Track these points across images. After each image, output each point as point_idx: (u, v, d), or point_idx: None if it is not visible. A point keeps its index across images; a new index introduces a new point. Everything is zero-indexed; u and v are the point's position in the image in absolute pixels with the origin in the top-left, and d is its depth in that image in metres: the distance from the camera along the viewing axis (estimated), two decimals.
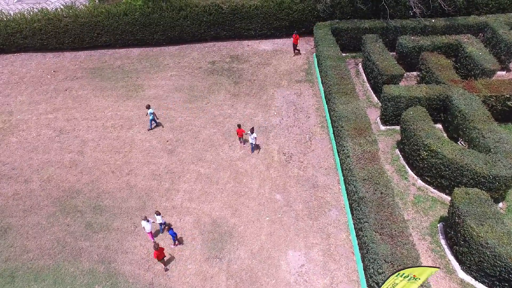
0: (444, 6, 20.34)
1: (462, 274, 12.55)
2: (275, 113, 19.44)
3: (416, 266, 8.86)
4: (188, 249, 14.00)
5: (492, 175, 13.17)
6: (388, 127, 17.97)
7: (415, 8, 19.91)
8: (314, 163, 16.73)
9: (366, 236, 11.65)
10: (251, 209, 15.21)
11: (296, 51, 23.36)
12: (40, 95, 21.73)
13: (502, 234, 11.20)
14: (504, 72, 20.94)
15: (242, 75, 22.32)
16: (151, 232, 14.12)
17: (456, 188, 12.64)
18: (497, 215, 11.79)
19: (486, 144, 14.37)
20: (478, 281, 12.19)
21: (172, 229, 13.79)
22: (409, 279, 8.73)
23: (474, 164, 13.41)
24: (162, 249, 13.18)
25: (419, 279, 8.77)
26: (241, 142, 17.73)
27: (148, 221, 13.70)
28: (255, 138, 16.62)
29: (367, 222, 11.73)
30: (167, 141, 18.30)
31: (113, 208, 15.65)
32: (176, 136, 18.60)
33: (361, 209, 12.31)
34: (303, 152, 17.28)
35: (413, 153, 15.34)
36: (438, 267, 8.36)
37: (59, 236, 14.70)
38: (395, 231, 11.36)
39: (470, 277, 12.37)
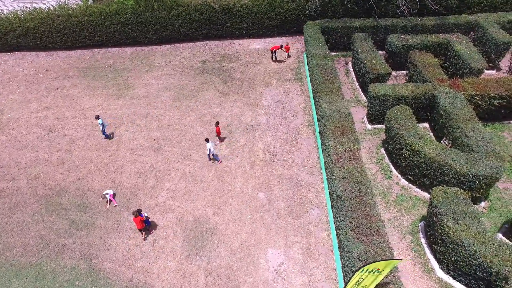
0: (432, 5, 20.25)
1: (440, 273, 12.52)
2: (263, 112, 19.47)
3: (379, 260, 8.91)
4: (169, 247, 14.05)
5: (472, 174, 13.11)
6: (374, 126, 17.94)
7: (402, 7, 19.84)
8: (299, 162, 16.74)
9: (342, 234, 11.65)
10: (233, 207, 15.25)
11: (274, 59, 23.12)
12: (32, 94, 21.94)
13: (477, 233, 11.15)
14: (494, 71, 20.82)
15: (232, 74, 22.38)
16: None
17: (434, 187, 12.62)
18: (474, 214, 11.75)
19: (469, 143, 14.31)
20: (456, 280, 12.14)
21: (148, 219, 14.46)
22: (373, 273, 8.77)
23: (455, 163, 13.36)
24: (141, 218, 13.84)
25: (383, 271, 8.83)
26: (219, 141, 17.86)
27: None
28: (211, 147, 16.67)
29: (343, 220, 11.73)
30: (154, 139, 18.40)
31: (97, 206, 15.74)
32: (164, 135, 18.68)
33: (338, 208, 12.31)
34: (288, 151, 17.29)
35: (396, 152, 15.31)
36: (400, 259, 8.41)
37: (43, 234, 14.82)
38: (370, 230, 11.34)
39: (448, 276, 12.32)
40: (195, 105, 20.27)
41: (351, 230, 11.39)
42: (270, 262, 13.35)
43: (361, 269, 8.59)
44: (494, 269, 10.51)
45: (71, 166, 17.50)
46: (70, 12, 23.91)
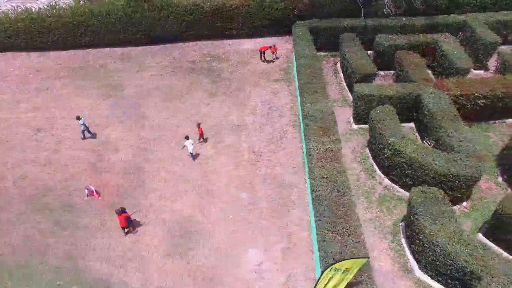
0: (417, 5, 20.27)
1: (419, 273, 12.57)
2: (249, 112, 19.53)
3: (346, 259, 8.99)
4: (152, 245, 14.15)
5: (452, 174, 13.16)
6: (360, 126, 17.98)
7: (390, 7, 19.88)
8: (283, 162, 16.79)
9: (318, 234, 11.71)
10: (217, 207, 15.32)
11: (263, 59, 23.12)
12: (22, 94, 22.05)
13: (453, 233, 11.19)
14: (482, 71, 20.83)
15: (221, 74, 22.44)
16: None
17: (413, 187, 12.67)
18: (451, 214, 11.79)
19: (450, 143, 14.34)
20: (434, 280, 12.19)
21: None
22: (342, 272, 8.83)
23: (435, 163, 13.40)
24: (125, 216, 14.02)
25: (351, 270, 8.90)
26: (201, 141, 17.88)
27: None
28: (188, 145, 16.68)
29: (320, 220, 11.79)
30: (141, 139, 18.48)
31: (83, 206, 15.83)
32: (152, 135, 18.79)
33: (316, 207, 12.37)
34: (273, 151, 17.34)
35: (379, 152, 15.36)
36: (367, 258, 8.47)
37: (29, 234, 14.92)
38: (347, 229, 11.40)
39: (426, 276, 12.37)
40: (184, 105, 20.35)
41: (328, 230, 11.45)
42: (250, 262, 13.42)
43: (329, 268, 8.65)
44: (468, 268, 10.57)
45: (58, 166, 17.59)
46: (61, 12, 24.01)
